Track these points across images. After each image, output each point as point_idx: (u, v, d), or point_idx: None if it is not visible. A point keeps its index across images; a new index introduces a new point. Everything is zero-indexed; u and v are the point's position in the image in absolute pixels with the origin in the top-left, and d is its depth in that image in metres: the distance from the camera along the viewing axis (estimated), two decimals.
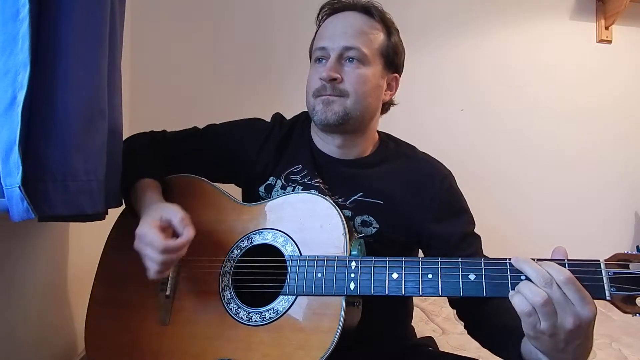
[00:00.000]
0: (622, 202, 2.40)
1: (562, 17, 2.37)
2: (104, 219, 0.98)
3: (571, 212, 2.35)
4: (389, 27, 0.98)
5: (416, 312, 1.07)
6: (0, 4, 0.73)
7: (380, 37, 0.96)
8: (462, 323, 0.95)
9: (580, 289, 0.62)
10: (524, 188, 2.33)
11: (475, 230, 0.96)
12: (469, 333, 0.94)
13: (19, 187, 0.74)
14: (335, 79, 0.91)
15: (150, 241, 0.78)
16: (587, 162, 2.38)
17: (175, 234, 0.81)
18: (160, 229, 0.79)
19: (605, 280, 0.64)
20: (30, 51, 0.73)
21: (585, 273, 0.65)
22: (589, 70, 2.38)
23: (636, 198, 2.41)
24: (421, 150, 1.03)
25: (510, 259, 0.69)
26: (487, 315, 0.85)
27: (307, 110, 1.08)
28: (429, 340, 1.04)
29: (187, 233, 0.80)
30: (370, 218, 0.92)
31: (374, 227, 0.92)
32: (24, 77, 0.73)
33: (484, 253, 0.94)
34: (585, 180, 2.37)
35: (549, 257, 0.68)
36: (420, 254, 1.01)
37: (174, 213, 0.81)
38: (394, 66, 1.00)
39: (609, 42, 2.39)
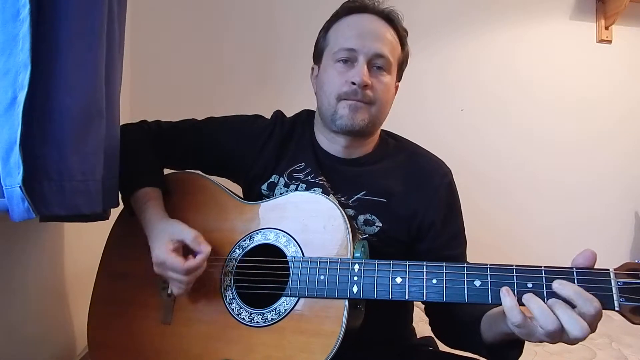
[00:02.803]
0: (622, 203, 2.40)
1: (562, 17, 2.37)
2: (107, 218, 0.98)
3: (570, 213, 2.36)
4: (404, 37, 0.98)
5: (416, 312, 1.07)
6: (1, 5, 0.72)
7: (399, 47, 0.96)
8: (429, 319, 0.98)
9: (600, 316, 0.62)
10: (526, 187, 2.33)
11: (465, 233, 0.97)
12: (432, 330, 0.97)
13: (20, 187, 0.74)
14: (366, 85, 0.90)
15: (171, 266, 0.81)
16: (587, 162, 2.38)
17: (188, 251, 0.84)
18: (176, 251, 0.83)
19: (614, 290, 0.63)
20: (30, 51, 0.73)
21: (594, 282, 0.63)
22: (589, 70, 2.38)
23: (636, 198, 2.41)
24: (427, 147, 1.03)
25: (515, 265, 0.68)
26: (451, 308, 0.88)
27: (307, 108, 1.08)
28: (429, 340, 1.04)
29: (204, 250, 0.83)
30: (373, 217, 0.92)
31: (376, 226, 0.92)
32: (24, 77, 0.73)
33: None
34: (584, 181, 2.37)
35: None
36: None
37: (185, 232, 0.84)
38: (401, 74, 1.01)
39: (609, 42, 2.39)
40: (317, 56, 1.00)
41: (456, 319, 0.86)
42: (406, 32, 0.98)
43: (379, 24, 0.94)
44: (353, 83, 0.89)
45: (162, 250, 0.82)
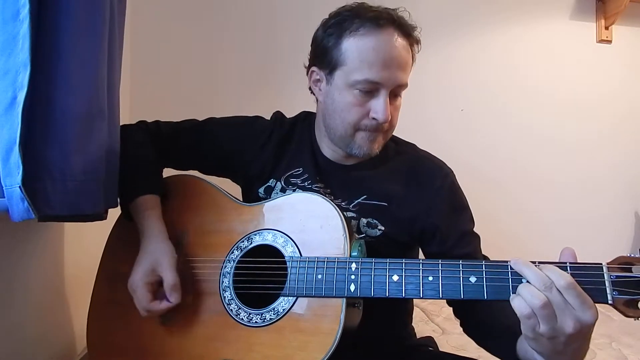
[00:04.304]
0: (622, 203, 2.40)
1: (562, 17, 2.37)
2: (105, 218, 0.98)
3: (570, 212, 2.36)
4: (416, 52, 0.93)
5: (416, 312, 1.07)
6: (1, 5, 0.73)
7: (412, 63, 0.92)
8: (459, 321, 0.95)
9: (580, 293, 0.61)
10: (526, 186, 2.34)
11: (474, 229, 0.95)
12: (465, 331, 0.94)
13: (20, 187, 0.74)
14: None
15: (138, 298, 0.84)
16: (587, 161, 2.38)
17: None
18: (150, 286, 0.85)
19: (607, 283, 0.63)
20: (30, 51, 0.73)
21: (587, 276, 0.64)
22: (589, 70, 2.38)
23: (636, 198, 2.41)
24: (427, 148, 1.03)
25: (510, 262, 0.68)
26: (482, 314, 0.85)
27: (307, 108, 1.08)
28: (429, 340, 1.04)
29: (173, 300, 0.84)
30: (375, 221, 0.92)
31: (379, 229, 0.92)
32: (24, 77, 0.73)
33: (493, 247, 0.94)
34: (584, 181, 2.37)
35: (556, 256, 0.67)
36: (420, 254, 1.01)
37: (167, 274, 0.85)
38: None
39: (609, 42, 2.39)
40: (325, 64, 0.91)
41: (492, 326, 0.84)
42: (419, 46, 0.92)
43: (403, 46, 0.87)
44: (374, 118, 0.87)
45: (138, 279, 0.85)
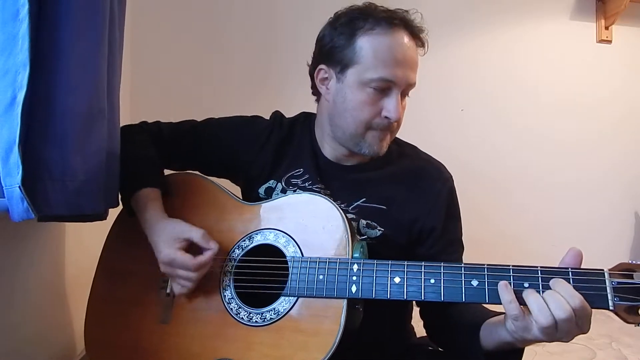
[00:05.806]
0: (622, 203, 2.40)
1: (562, 17, 2.37)
2: (105, 219, 0.98)
3: (570, 213, 2.36)
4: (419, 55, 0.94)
5: (416, 312, 1.07)
6: (0, 4, 0.73)
7: None
8: (423, 322, 0.97)
9: (589, 315, 0.63)
10: (526, 186, 2.34)
11: (462, 239, 0.97)
12: (427, 333, 0.96)
13: (19, 187, 0.74)
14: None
15: (181, 264, 0.82)
16: (587, 161, 2.38)
17: (191, 250, 0.84)
18: (183, 250, 0.83)
19: (609, 290, 0.64)
20: (30, 51, 0.73)
21: (588, 282, 0.64)
22: (589, 70, 2.38)
23: (636, 198, 2.41)
24: (426, 148, 1.03)
25: (512, 266, 0.68)
26: (449, 313, 0.87)
27: (307, 108, 1.08)
28: (429, 340, 1.04)
29: (213, 246, 0.84)
30: (374, 223, 0.92)
31: (378, 230, 0.92)
32: (23, 77, 0.73)
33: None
34: (584, 181, 2.37)
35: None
36: None
37: (192, 231, 0.85)
38: None
39: (609, 42, 2.39)
40: (336, 63, 0.90)
41: (455, 324, 0.86)
42: (425, 49, 0.94)
43: (413, 47, 0.90)
44: (386, 117, 0.88)
45: (171, 249, 0.83)
